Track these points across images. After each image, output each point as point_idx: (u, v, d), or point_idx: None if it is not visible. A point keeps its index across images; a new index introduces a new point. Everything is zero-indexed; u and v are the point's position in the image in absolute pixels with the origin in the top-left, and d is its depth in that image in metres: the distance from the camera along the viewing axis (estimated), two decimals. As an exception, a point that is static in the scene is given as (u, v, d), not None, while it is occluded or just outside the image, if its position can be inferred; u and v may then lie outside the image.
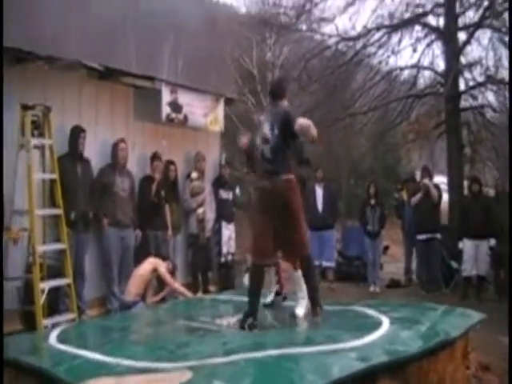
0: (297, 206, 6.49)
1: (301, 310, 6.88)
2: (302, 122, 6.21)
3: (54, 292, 8.30)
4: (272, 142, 6.46)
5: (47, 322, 7.84)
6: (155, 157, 10.64)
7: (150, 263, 9.04)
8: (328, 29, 16.84)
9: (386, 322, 6.25)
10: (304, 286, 6.93)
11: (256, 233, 6.64)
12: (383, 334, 5.81)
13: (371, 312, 6.86)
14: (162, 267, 9.04)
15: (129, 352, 5.39)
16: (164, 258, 9.53)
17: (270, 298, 7.39)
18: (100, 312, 9.54)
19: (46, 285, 8.02)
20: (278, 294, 7.46)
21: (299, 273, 6.96)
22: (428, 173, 13.42)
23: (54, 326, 7.27)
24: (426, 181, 13.13)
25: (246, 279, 11.35)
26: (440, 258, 13.17)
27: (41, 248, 8.14)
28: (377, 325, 6.10)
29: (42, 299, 7.83)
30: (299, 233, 6.55)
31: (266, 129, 6.53)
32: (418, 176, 15.90)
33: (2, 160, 7.66)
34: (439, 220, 13.57)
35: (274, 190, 6.38)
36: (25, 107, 8.11)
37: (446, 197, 14.15)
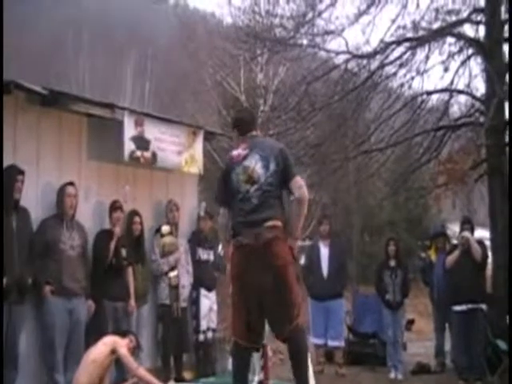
0: (283, 261, 6.35)
1: None
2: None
3: (-24, 384, 8.10)
4: (264, 180, 6.41)
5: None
6: (115, 207, 10.55)
7: (106, 344, 8.83)
8: (335, 44, 16.90)
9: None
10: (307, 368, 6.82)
11: (234, 305, 6.59)
12: None
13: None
14: (123, 348, 8.86)
15: None
16: (124, 334, 9.37)
17: None
18: (38, 409, 9.32)
19: (-34, 374, 7.83)
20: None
21: None
22: (470, 225, 13.26)
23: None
24: (467, 233, 12.94)
25: (230, 363, 11.22)
26: (483, 336, 12.94)
27: (-40, 324, 7.99)
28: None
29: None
30: (288, 298, 6.37)
31: (255, 165, 6.46)
32: (450, 230, 15.81)
33: None
34: (484, 285, 13.37)
35: (257, 243, 6.28)
36: None
37: (489, 256, 14.03)
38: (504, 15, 15.14)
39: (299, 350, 6.37)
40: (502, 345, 12.93)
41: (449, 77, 16.14)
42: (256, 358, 7.19)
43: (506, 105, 15.09)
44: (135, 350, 9.31)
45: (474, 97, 16.26)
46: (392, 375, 13.21)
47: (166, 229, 11.28)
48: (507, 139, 15.43)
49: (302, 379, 6.27)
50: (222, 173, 6.69)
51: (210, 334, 12.01)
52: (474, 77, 16.11)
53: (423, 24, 15.78)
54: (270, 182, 6.35)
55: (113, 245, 10.26)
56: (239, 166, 6.46)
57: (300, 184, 6.35)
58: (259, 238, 6.23)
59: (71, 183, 9.84)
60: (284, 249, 6.36)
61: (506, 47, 15.31)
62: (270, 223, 6.26)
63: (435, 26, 15.70)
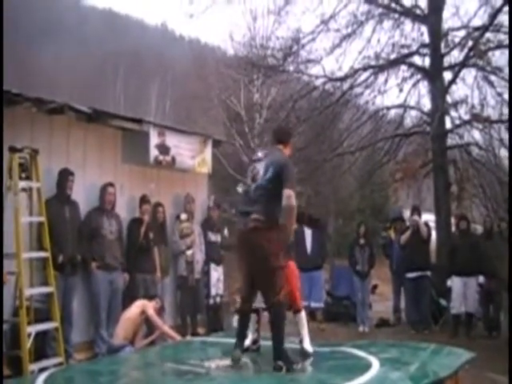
0: (263, 248, 6.19)
1: (308, 345, 6.84)
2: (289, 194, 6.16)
3: (42, 336, 8.23)
4: (260, 181, 6.35)
5: (34, 366, 7.78)
6: (144, 200, 10.59)
7: (137, 306, 8.94)
8: (315, 70, 16.84)
9: (375, 363, 6.19)
10: (306, 325, 6.96)
11: (241, 278, 6.64)
12: (373, 376, 5.75)
13: (361, 353, 6.80)
14: (151, 309, 8.93)
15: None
16: (151, 298, 9.42)
17: (246, 344, 6.93)
18: (87, 356, 9.40)
19: (33, 329, 7.97)
20: (254, 342, 7.25)
21: (301, 315, 6.99)
22: (418, 211, 13.46)
23: (41, 370, 7.20)
24: (416, 217, 13.15)
25: (234, 321, 11.31)
26: (429, 296, 13.15)
27: (28, 291, 8.10)
28: (367, 366, 6.05)
29: (28, 343, 7.76)
30: (270, 277, 6.24)
31: (259, 169, 6.45)
32: (405, 215, 15.91)
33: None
34: (429, 257, 13.56)
35: (246, 230, 6.28)
36: (13, 150, 8.11)
37: (433, 235, 14.14)
38: (444, 49, 15.35)
39: (276, 319, 6.25)
40: (443, 302, 13.19)
41: (403, 96, 16.26)
42: (252, 321, 7.17)
43: (446, 117, 15.29)
44: (160, 311, 9.39)
45: (422, 111, 16.40)
46: (361, 329, 13.30)
47: (183, 216, 11.30)
48: (448, 144, 15.64)
49: (276, 340, 6.20)
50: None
51: (218, 299, 12.07)
52: (422, 96, 16.32)
53: (383, 55, 15.83)
54: (264, 184, 6.28)
55: (142, 230, 10.34)
56: (252, 166, 6.56)
57: (288, 195, 6.12)
58: (246, 225, 6.25)
59: (111, 184, 9.95)
60: (265, 237, 6.17)
61: (445, 73, 15.52)
62: (254, 216, 6.20)
63: (392, 56, 15.78)
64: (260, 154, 6.64)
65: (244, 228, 6.27)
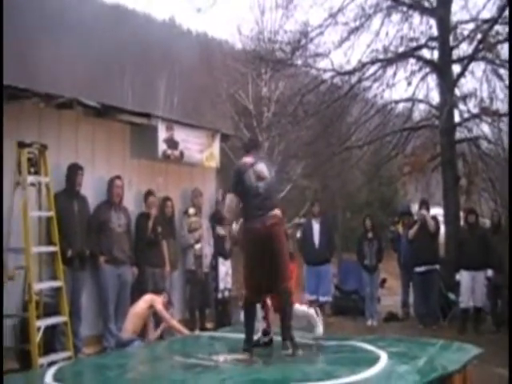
0: (280, 241, 6.70)
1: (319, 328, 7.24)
2: None
3: (51, 330, 8.28)
4: (269, 179, 6.73)
5: (43, 360, 7.82)
6: (149, 193, 10.63)
7: (145, 301, 8.98)
8: (323, 63, 16.82)
9: (383, 356, 6.21)
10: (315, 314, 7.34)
11: (247, 270, 6.84)
12: (381, 369, 5.78)
13: (369, 347, 6.82)
14: (159, 304, 8.98)
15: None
16: (159, 292, 9.48)
17: (256, 337, 7.14)
18: (96, 350, 9.47)
19: (42, 323, 8.01)
20: (265, 333, 7.31)
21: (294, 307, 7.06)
22: (426, 205, 13.43)
23: (50, 364, 7.24)
24: (424, 211, 13.13)
25: (243, 316, 11.33)
26: (437, 290, 13.14)
27: (37, 286, 8.15)
28: (374, 360, 6.07)
29: (37, 337, 7.82)
30: (282, 266, 6.67)
31: (262, 168, 6.78)
32: (413, 209, 15.91)
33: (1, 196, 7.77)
34: (437, 251, 13.55)
35: (265, 226, 6.58)
36: (21, 145, 8.15)
37: (442, 228, 14.12)
38: (452, 42, 15.32)
39: (284, 305, 6.67)
40: (452, 296, 13.14)
41: (411, 89, 16.21)
42: (259, 310, 7.27)
43: (455, 111, 15.27)
44: (168, 305, 9.45)
45: (430, 105, 16.39)
46: (369, 323, 13.31)
47: (191, 211, 11.34)
48: (456, 137, 15.62)
49: (287, 325, 6.58)
50: (236, 172, 6.85)
51: (226, 293, 12.12)
52: (430, 89, 16.30)
53: (391, 48, 15.76)
54: (272, 181, 6.77)
55: (150, 224, 10.39)
56: (251, 169, 6.72)
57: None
58: (265, 222, 6.55)
59: (118, 177, 9.99)
60: (281, 231, 6.72)
61: (454, 66, 15.53)
62: (272, 212, 6.60)
63: (400, 49, 15.73)
64: (251, 160, 6.91)
65: (262, 226, 6.57)
